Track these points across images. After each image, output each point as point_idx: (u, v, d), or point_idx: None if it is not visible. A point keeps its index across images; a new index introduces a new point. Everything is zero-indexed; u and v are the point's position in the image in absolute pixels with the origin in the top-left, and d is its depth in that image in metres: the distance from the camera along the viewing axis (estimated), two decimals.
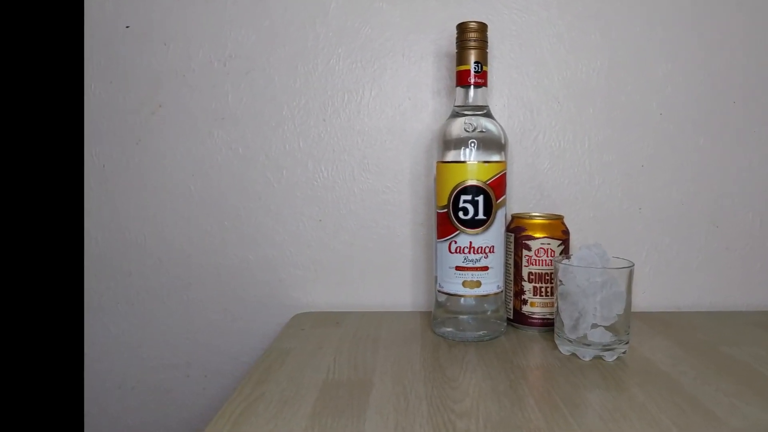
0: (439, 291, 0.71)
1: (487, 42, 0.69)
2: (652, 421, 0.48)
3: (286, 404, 0.52)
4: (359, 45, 0.82)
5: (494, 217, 0.68)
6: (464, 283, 0.68)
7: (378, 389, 0.55)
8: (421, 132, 0.83)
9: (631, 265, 0.62)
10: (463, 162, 0.67)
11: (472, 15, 0.80)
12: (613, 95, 0.83)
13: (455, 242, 0.68)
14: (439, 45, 0.82)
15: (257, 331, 0.86)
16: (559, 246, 0.71)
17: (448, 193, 0.68)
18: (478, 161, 0.67)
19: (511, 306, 0.74)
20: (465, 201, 0.67)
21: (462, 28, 0.68)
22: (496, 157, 0.68)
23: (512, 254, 0.73)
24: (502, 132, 0.70)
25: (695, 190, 0.84)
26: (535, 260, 0.71)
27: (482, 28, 0.68)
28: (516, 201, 0.83)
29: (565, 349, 0.64)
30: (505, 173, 0.69)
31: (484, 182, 0.67)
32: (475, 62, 0.68)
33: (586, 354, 0.62)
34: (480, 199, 0.67)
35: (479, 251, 0.68)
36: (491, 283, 0.69)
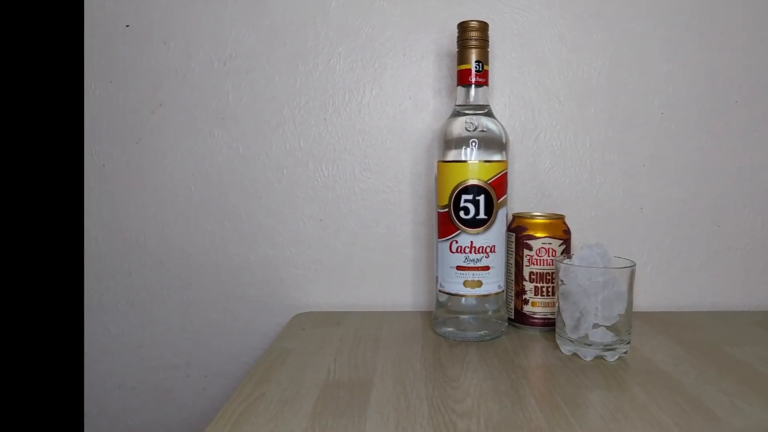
0: (440, 291, 0.71)
1: (488, 41, 0.69)
2: (654, 421, 0.48)
3: (286, 404, 0.52)
4: (360, 44, 0.82)
5: (495, 217, 0.68)
6: (465, 283, 0.68)
7: (379, 389, 0.55)
8: (422, 131, 0.83)
9: (632, 264, 0.62)
10: (464, 161, 0.67)
11: (473, 14, 0.80)
12: (614, 95, 0.82)
13: (456, 242, 0.68)
14: (440, 44, 0.82)
15: (258, 330, 0.86)
16: (560, 246, 0.71)
17: (449, 192, 0.67)
18: (479, 161, 0.67)
19: (512, 306, 0.74)
20: (466, 200, 0.67)
21: (463, 27, 0.68)
22: (497, 157, 0.68)
23: (513, 254, 0.73)
24: (503, 131, 0.70)
25: (697, 189, 0.84)
26: (537, 260, 0.71)
27: (483, 27, 0.68)
28: (517, 200, 0.83)
29: (566, 348, 0.64)
30: (506, 173, 0.69)
31: (485, 182, 0.67)
32: (476, 61, 0.68)
33: (588, 354, 0.62)
34: (481, 198, 0.67)
35: (480, 251, 0.68)
36: (492, 282, 0.69)
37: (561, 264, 0.63)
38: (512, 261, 0.73)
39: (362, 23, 0.82)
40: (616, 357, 0.62)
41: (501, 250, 0.69)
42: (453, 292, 0.69)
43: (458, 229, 0.68)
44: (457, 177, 0.67)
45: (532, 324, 0.72)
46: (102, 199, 0.85)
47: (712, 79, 0.82)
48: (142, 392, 0.87)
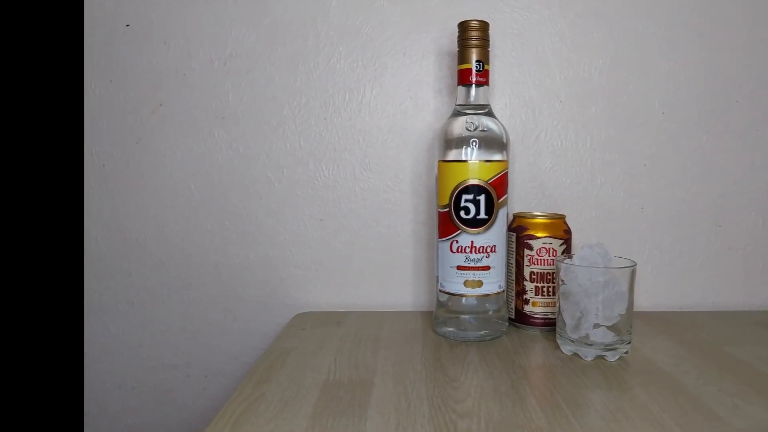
0: (440, 291, 0.71)
1: (488, 40, 0.68)
2: (655, 421, 0.48)
3: (286, 404, 0.52)
4: (360, 44, 0.82)
5: (496, 217, 0.67)
6: (466, 283, 0.68)
7: (379, 389, 0.55)
8: (423, 131, 0.83)
9: (633, 264, 0.62)
10: (465, 161, 0.67)
11: (473, 13, 0.80)
12: (615, 94, 0.82)
13: (457, 242, 0.68)
14: (441, 44, 0.82)
15: (258, 330, 0.86)
16: (561, 245, 0.71)
17: (450, 192, 0.67)
18: (480, 160, 0.67)
19: (512, 306, 0.74)
20: (466, 200, 0.67)
21: (463, 26, 0.68)
22: (497, 156, 0.68)
23: (514, 254, 0.73)
24: (503, 131, 0.70)
25: (698, 189, 0.84)
26: (537, 260, 0.71)
27: (484, 26, 0.68)
28: (518, 200, 0.83)
29: (567, 348, 0.64)
30: (506, 172, 0.69)
31: (486, 181, 0.66)
32: (476, 61, 0.67)
33: (588, 354, 0.62)
34: (481, 198, 0.66)
35: (481, 251, 0.67)
36: (493, 282, 0.68)
37: (562, 264, 0.63)
38: (513, 261, 0.73)
39: (363, 23, 0.82)
40: (617, 357, 0.62)
41: (501, 249, 0.69)
42: (453, 291, 0.69)
43: (459, 228, 0.67)
44: (457, 177, 0.67)
45: (533, 324, 0.72)
46: (102, 198, 0.85)
47: (712, 78, 0.82)
48: (142, 392, 0.87)
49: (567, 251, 0.72)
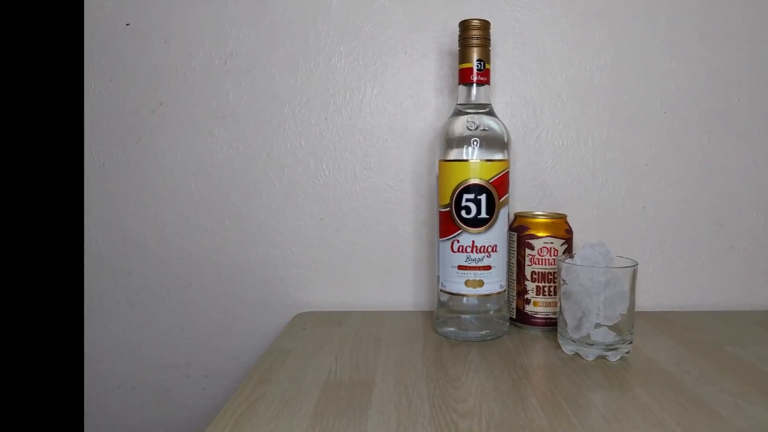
0: (441, 290, 0.70)
1: (489, 40, 0.68)
2: (656, 421, 0.48)
3: (287, 404, 0.52)
4: (361, 43, 0.82)
5: (497, 216, 0.67)
6: (467, 283, 0.68)
7: (380, 389, 0.55)
8: (424, 130, 0.83)
9: (634, 264, 0.62)
10: (466, 160, 0.67)
11: (474, 12, 0.80)
12: (616, 93, 0.82)
13: (458, 241, 0.68)
14: (442, 43, 0.81)
15: (258, 330, 0.86)
16: (562, 245, 0.71)
17: (451, 191, 0.67)
18: (481, 160, 0.67)
19: (513, 305, 0.74)
20: (467, 200, 0.66)
21: (464, 25, 0.68)
22: (498, 156, 0.68)
23: (515, 253, 0.72)
24: (504, 130, 0.69)
25: (699, 188, 0.83)
26: (538, 259, 0.71)
27: (485, 25, 0.67)
28: (519, 200, 0.83)
29: (568, 348, 0.64)
30: (507, 172, 0.69)
31: (487, 181, 0.66)
32: (477, 60, 0.67)
33: (590, 354, 0.62)
34: (483, 197, 0.66)
35: (482, 250, 0.67)
36: (494, 282, 0.68)
37: (563, 263, 0.63)
38: (514, 260, 0.73)
39: (363, 22, 0.82)
40: (618, 357, 0.62)
41: (503, 249, 0.69)
42: (454, 291, 0.69)
43: (460, 228, 0.67)
44: (458, 176, 0.67)
45: (534, 324, 0.72)
46: (102, 198, 0.84)
47: (714, 78, 0.82)
48: (142, 392, 0.87)
49: (568, 251, 0.71)
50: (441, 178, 0.69)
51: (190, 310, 0.86)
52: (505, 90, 0.82)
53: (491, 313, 0.70)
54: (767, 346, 0.67)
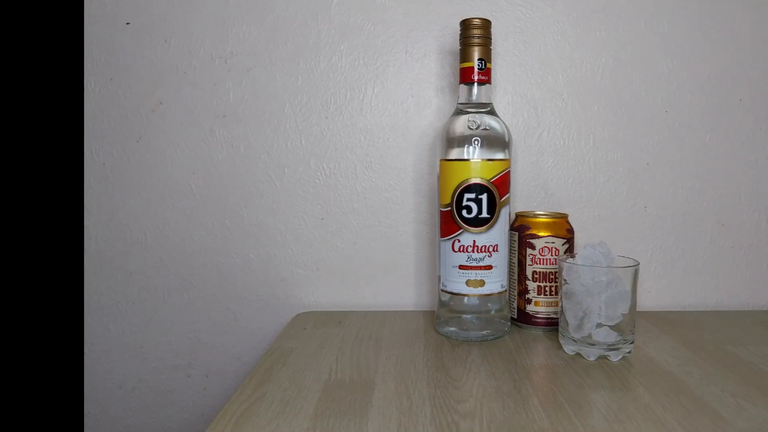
0: (442, 290, 0.70)
1: (490, 39, 0.68)
2: (658, 421, 0.48)
3: (287, 405, 0.52)
4: (362, 42, 0.82)
5: (498, 216, 0.67)
6: (468, 282, 0.67)
7: (380, 389, 0.55)
8: (424, 129, 0.83)
9: (636, 264, 0.61)
10: (467, 160, 0.67)
11: (475, 11, 0.80)
12: (618, 93, 0.82)
13: (459, 241, 0.67)
14: (443, 42, 0.81)
15: (259, 330, 0.86)
16: (563, 245, 0.71)
17: (452, 191, 0.67)
18: (482, 159, 0.66)
19: (515, 305, 0.73)
20: (468, 199, 0.66)
21: (465, 24, 0.67)
22: (499, 155, 0.68)
23: (516, 253, 0.72)
24: (506, 130, 0.69)
25: (701, 188, 0.83)
26: (540, 259, 0.71)
27: (486, 24, 0.67)
28: (520, 199, 0.83)
29: (569, 348, 0.64)
30: (509, 171, 0.68)
31: (488, 180, 0.66)
32: (478, 59, 0.67)
33: (591, 354, 0.62)
34: (484, 197, 0.66)
35: (483, 250, 0.67)
36: (495, 282, 0.68)
37: (564, 263, 0.63)
38: (515, 260, 0.73)
39: (364, 20, 0.81)
40: (620, 357, 0.62)
41: (504, 249, 0.69)
42: (455, 291, 0.68)
43: (461, 228, 0.67)
44: (459, 176, 0.67)
45: (535, 323, 0.72)
46: (102, 197, 0.84)
47: (716, 77, 0.82)
48: (142, 392, 0.87)
49: (569, 250, 0.71)
50: (442, 177, 0.69)
51: (191, 310, 0.86)
52: (507, 89, 0.82)
53: (492, 312, 0.69)
54: None
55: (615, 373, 0.58)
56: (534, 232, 0.71)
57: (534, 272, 0.71)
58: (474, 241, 0.67)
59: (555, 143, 0.83)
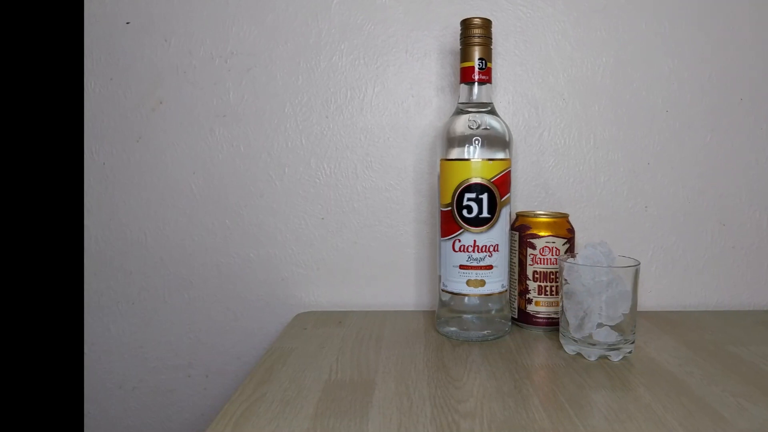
0: (442, 290, 0.70)
1: (491, 38, 0.68)
2: (659, 422, 0.48)
3: (288, 405, 0.52)
4: (362, 41, 0.82)
5: (498, 216, 0.67)
6: (468, 282, 0.67)
7: (381, 389, 0.54)
8: (425, 129, 0.82)
9: (636, 263, 0.61)
10: (467, 160, 0.67)
11: (476, 11, 0.79)
12: (618, 92, 0.82)
13: (459, 241, 0.67)
14: (443, 41, 0.81)
15: (259, 330, 0.86)
16: (564, 245, 0.70)
17: (452, 191, 0.67)
18: (483, 159, 0.66)
19: (515, 305, 0.73)
20: (469, 199, 0.66)
21: (466, 24, 0.67)
22: (500, 155, 0.67)
23: (517, 253, 0.72)
24: (506, 129, 0.69)
25: (702, 188, 0.83)
26: (540, 259, 0.70)
27: (486, 24, 0.67)
28: (521, 199, 0.83)
29: (570, 348, 0.64)
30: (509, 171, 0.68)
31: (489, 180, 0.66)
32: (479, 59, 0.67)
33: (592, 354, 0.61)
34: (484, 197, 0.66)
35: (483, 250, 0.67)
36: (495, 282, 0.68)
37: (565, 263, 0.63)
38: (516, 260, 0.72)
39: (365, 20, 0.81)
40: (621, 357, 0.61)
41: (504, 249, 0.69)
42: (456, 291, 0.68)
43: (461, 227, 0.67)
44: (460, 175, 0.66)
45: (536, 323, 0.72)
46: (102, 197, 0.84)
47: (717, 76, 0.82)
48: (142, 392, 0.87)
49: (570, 250, 0.71)
50: (442, 177, 0.69)
51: (191, 310, 0.86)
52: (507, 89, 0.82)
53: (493, 312, 0.69)
54: None
55: (616, 373, 0.58)
56: (535, 231, 0.71)
57: (534, 272, 0.71)
58: (474, 240, 0.67)
59: (555, 143, 0.83)
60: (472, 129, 0.67)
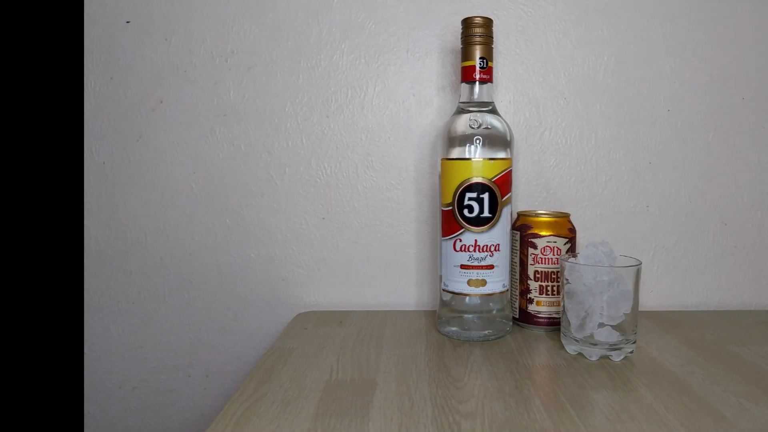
0: (443, 290, 0.70)
1: (492, 37, 0.68)
2: (660, 422, 0.47)
3: (288, 405, 0.51)
4: (363, 40, 0.82)
5: (500, 215, 0.67)
6: (469, 282, 0.67)
7: (382, 389, 0.54)
8: (426, 128, 0.82)
9: (638, 263, 0.61)
10: (468, 159, 0.66)
11: (477, 10, 0.79)
12: (620, 91, 0.82)
13: (460, 240, 0.67)
14: (444, 40, 0.81)
15: (260, 330, 0.86)
16: (565, 244, 0.70)
17: (453, 190, 0.67)
18: (484, 158, 0.66)
19: (516, 305, 0.73)
20: (470, 198, 0.66)
21: (467, 23, 0.67)
22: (501, 154, 0.67)
23: (518, 252, 0.72)
24: (507, 129, 0.69)
25: (703, 187, 0.83)
26: (541, 258, 0.70)
27: (488, 23, 0.67)
28: (522, 199, 0.83)
29: (571, 348, 0.63)
30: (510, 170, 0.68)
31: (490, 179, 0.66)
32: (480, 58, 0.67)
33: (593, 353, 0.61)
34: (485, 196, 0.66)
35: (484, 249, 0.67)
36: (497, 281, 0.68)
37: (566, 263, 0.62)
38: (517, 260, 0.72)
39: (365, 19, 0.81)
40: (622, 357, 0.61)
41: (505, 248, 0.69)
42: (457, 291, 0.68)
43: (462, 227, 0.67)
44: (461, 175, 0.66)
45: (537, 323, 0.72)
46: (102, 197, 0.84)
47: (719, 75, 0.82)
48: (142, 392, 0.87)
49: (571, 250, 0.71)
50: (443, 176, 0.69)
51: (191, 310, 0.86)
52: (508, 88, 0.82)
53: (494, 312, 0.69)
54: None
55: (617, 373, 0.58)
56: (536, 231, 0.71)
57: (536, 272, 0.71)
58: (475, 240, 0.67)
59: (557, 142, 0.82)
60: (473, 128, 0.67)
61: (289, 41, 0.82)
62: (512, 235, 0.72)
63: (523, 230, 0.71)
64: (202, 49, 0.82)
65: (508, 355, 0.63)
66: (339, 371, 0.59)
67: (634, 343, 0.62)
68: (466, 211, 0.66)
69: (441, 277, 0.71)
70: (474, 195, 0.66)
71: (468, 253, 0.67)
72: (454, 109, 0.71)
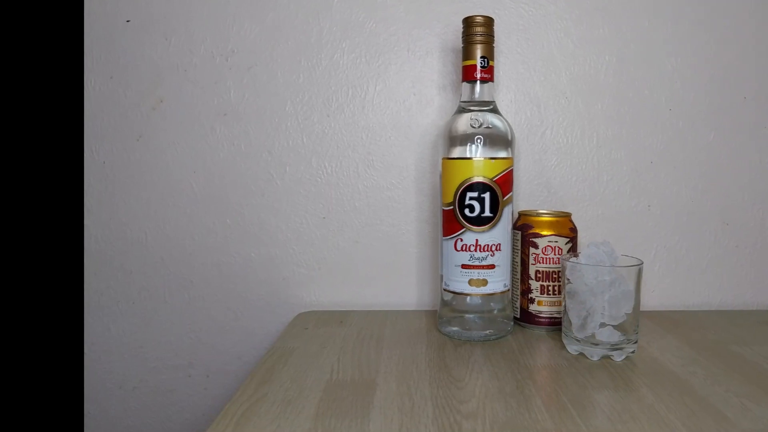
0: (444, 289, 0.70)
1: (493, 36, 0.68)
2: (661, 422, 0.47)
3: (289, 405, 0.51)
4: (364, 39, 0.81)
5: (501, 215, 0.67)
6: (470, 282, 0.67)
7: (382, 389, 0.54)
8: (427, 128, 0.82)
9: (639, 263, 0.61)
10: (469, 158, 0.66)
11: (478, 9, 0.79)
12: (621, 91, 0.81)
13: (461, 240, 0.67)
14: (445, 40, 0.81)
15: (260, 330, 0.85)
16: (566, 244, 0.70)
17: (454, 190, 0.67)
18: (485, 158, 0.66)
19: (518, 305, 0.73)
20: (471, 198, 0.66)
21: (468, 22, 0.67)
22: (502, 154, 0.67)
23: (519, 252, 0.72)
24: (508, 128, 0.69)
25: (705, 187, 0.83)
26: (543, 258, 0.70)
27: (489, 22, 0.67)
28: (523, 198, 0.82)
29: (572, 348, 0.63)
30: (511, 170, 0.68)
31: (491, 179, 0.66)
32: (481, 57, 0.67)
33: (594, 353, 0.61)
34: (486, 196, 0.66)
35: (486, 249, 0.67)
36: (498, 281, 0.68)
37: (567, 262, 0.62)
38: (518, 259, 0.72)
39: (366, 18, 0.81)
40: (624, 357, 0.61)
41: (506, 248, 0.69)
42: (458, 290, 0.68)
43: (463, 227, 0.67)
44: (462, 174, 0.66)
45: (538, 323, 0.71)
46: (102, 196, 0.84)
47: (720, 75, 0.81)
48: (143, 392, 0.87)
49: (573, 250, 0.71)
50: (444, 176, 0.68)
51: (192, 310, 0.85)
52: (509, 87, 0.82)
53: (495, 312, 0.69)
54: None
55: (618, 373, 0.58)
56: (537, 231, 0.70)
57: (537, 271, 0.71)
58: (476, 240, 0.67)
59: (558, 141, 0.82)
60: (474, 128, 0.67)
61: (290, 40, 0.82)
62: (513, 235, 0.72)
63: (524, 230, 0.71)
64: (202, 48, 0.82)
65: (509, 355, 0.63)
66: (339, 371, 0.59)
67: (635, 343, 0.62)
68: (467, 211, 0.66)
69: (442, 276, 0.70)
70: (475, 194, 0.66)
71: (469, 252, 0.67)
72: (455, 109, 0.71)
